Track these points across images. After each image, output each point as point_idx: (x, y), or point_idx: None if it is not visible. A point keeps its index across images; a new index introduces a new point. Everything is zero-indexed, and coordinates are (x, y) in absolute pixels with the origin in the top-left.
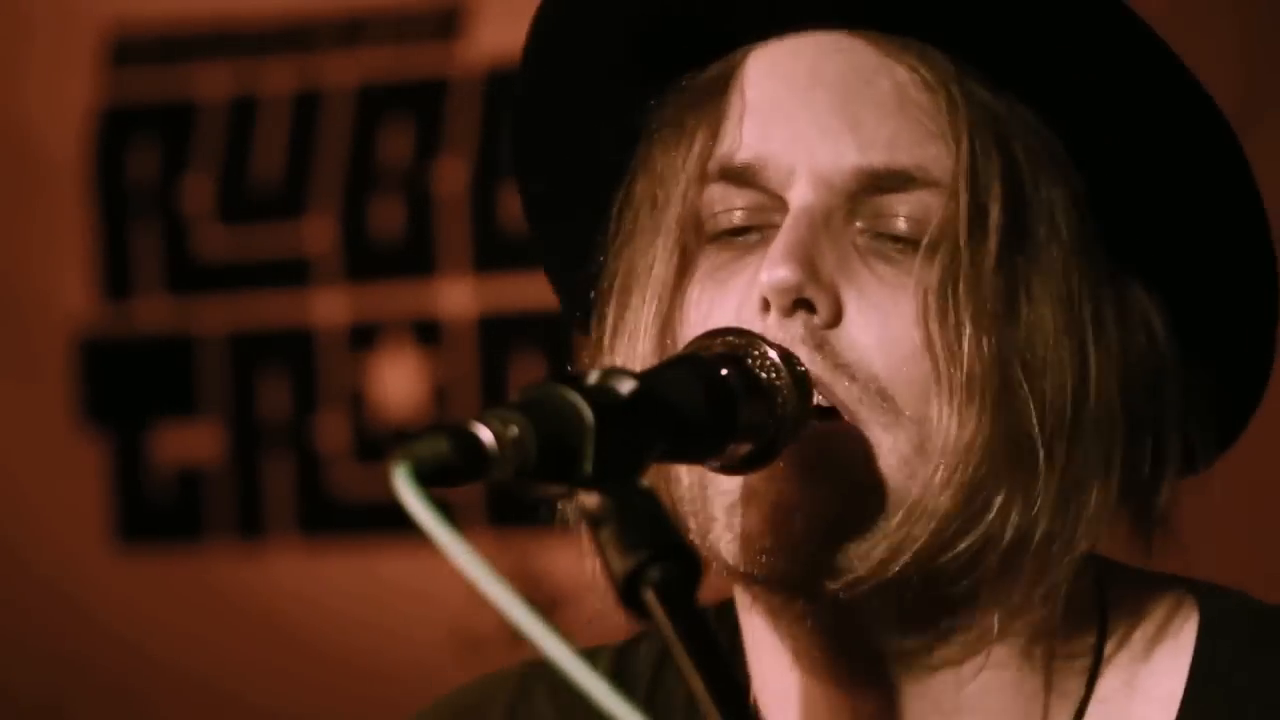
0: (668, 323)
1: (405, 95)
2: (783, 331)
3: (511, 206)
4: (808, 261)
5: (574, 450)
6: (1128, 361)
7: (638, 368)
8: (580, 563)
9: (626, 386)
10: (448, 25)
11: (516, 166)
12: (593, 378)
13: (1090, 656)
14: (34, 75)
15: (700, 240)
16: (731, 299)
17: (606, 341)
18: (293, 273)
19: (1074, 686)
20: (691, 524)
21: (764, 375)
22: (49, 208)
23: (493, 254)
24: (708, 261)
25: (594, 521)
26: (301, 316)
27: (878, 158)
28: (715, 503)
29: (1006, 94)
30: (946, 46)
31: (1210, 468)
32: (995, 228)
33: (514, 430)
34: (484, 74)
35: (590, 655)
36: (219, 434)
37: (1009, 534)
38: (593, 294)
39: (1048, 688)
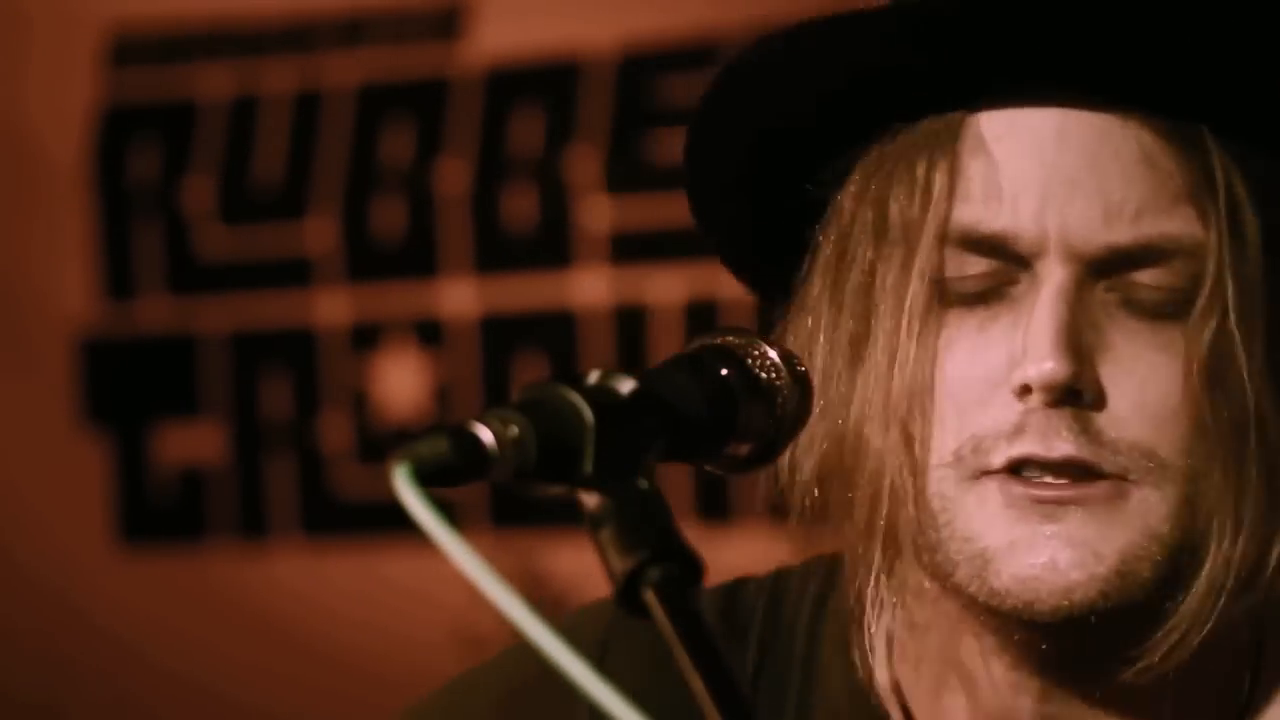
0: (916, 384)
1: (406, 95)
2: (1051, 422)
3: (513, 207)
4: (1076, 350)
5: (574, 450)
6: None
7: (883, 405)
8: (581, 563)
9: (626, 386)
10: (448, 25)
11: (695, 176)
12: (593, 378)
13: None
14: (34, 75)
15: (941, 300)
16: (988, 364)
17: (842, 355)
18: (294, 273)
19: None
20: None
21: (764, 375)
22: (49, 208)
23: (494, 254)
24: (952, 322)
25: (594, 522)
26: (303, 317)
27: (1125, 233)
28: (962, 551)
29: (1255, 150)
30: (1200, 120)
31: None
32: (1259, 288)
33: (514, 430)
34: (485, 74)
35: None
36: (221, 434)
37: (1244, 584)
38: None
39: (1255, 686)
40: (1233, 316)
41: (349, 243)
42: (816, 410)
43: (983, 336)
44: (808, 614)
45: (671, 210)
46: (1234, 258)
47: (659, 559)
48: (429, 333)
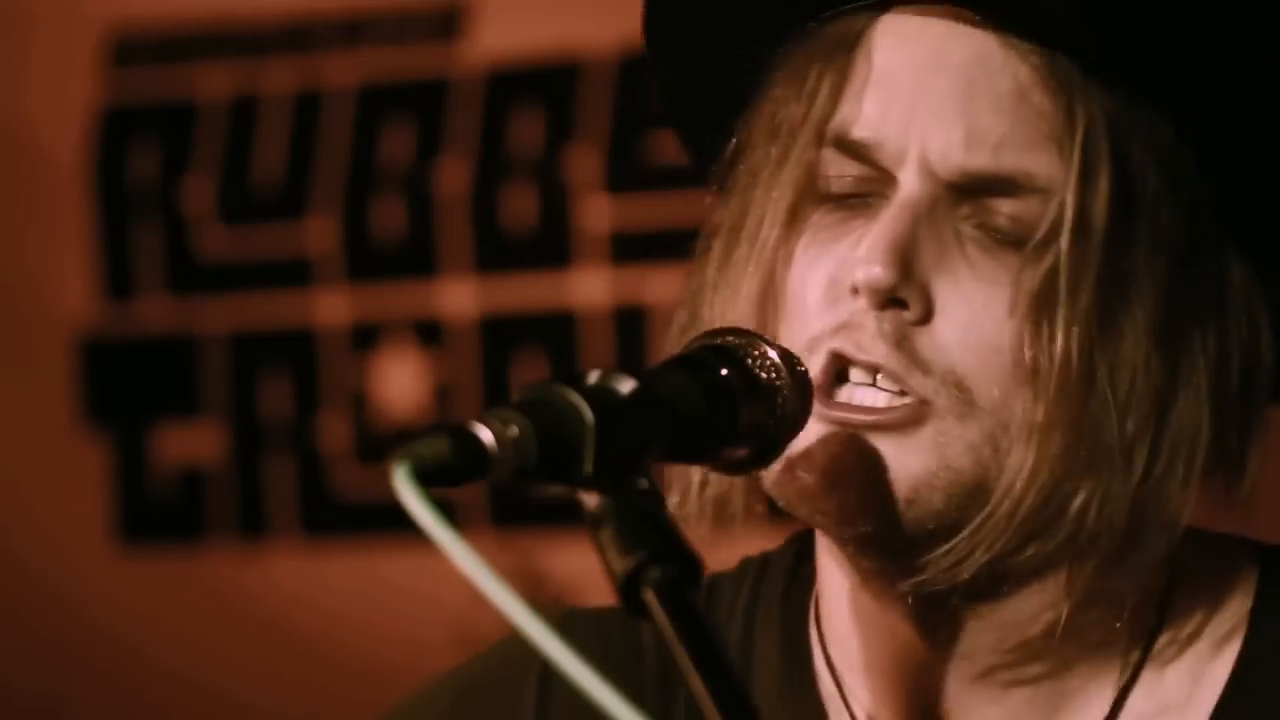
0: (769, 279)
1: (406, 95)
2: (866, 321)
3: (513, 207)
4: (904, 261)
5: (574, 450)
6: (1224, 356)
7: (737, 321)
8: (581, 563)
9: (626, 386)
10: (448, 25)
11: (653, 64)
12: (593, 378)
13: (1156, 613)
14: (34, 75)
15: (811, 199)
16: (828, 266)
17: (710, 277)
18: (294, 273)
19: (1138, 640)
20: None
21: (764, 375)
22: (49, 208)
23: (494, 254)
24: (816, 222)
25: (594, 522)
26: (303, 317)
27: (983, 160)
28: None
29: (1127, 90)
30: (1076, 54)
31: None
32: (1100, 237)
33: (514, 430)
34: (485, 74)
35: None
36: (220, 434)
37: (1084, 537)
38: (706, 228)
39: (1112, 645)
40: (1064, 261)
41: (349, 243)
42: (701, 303)
43: (843, 229)
44: (741, 614)
45: (671, 210)
46: (1080, 206)
47: (659, 559)
48: (429, 333)
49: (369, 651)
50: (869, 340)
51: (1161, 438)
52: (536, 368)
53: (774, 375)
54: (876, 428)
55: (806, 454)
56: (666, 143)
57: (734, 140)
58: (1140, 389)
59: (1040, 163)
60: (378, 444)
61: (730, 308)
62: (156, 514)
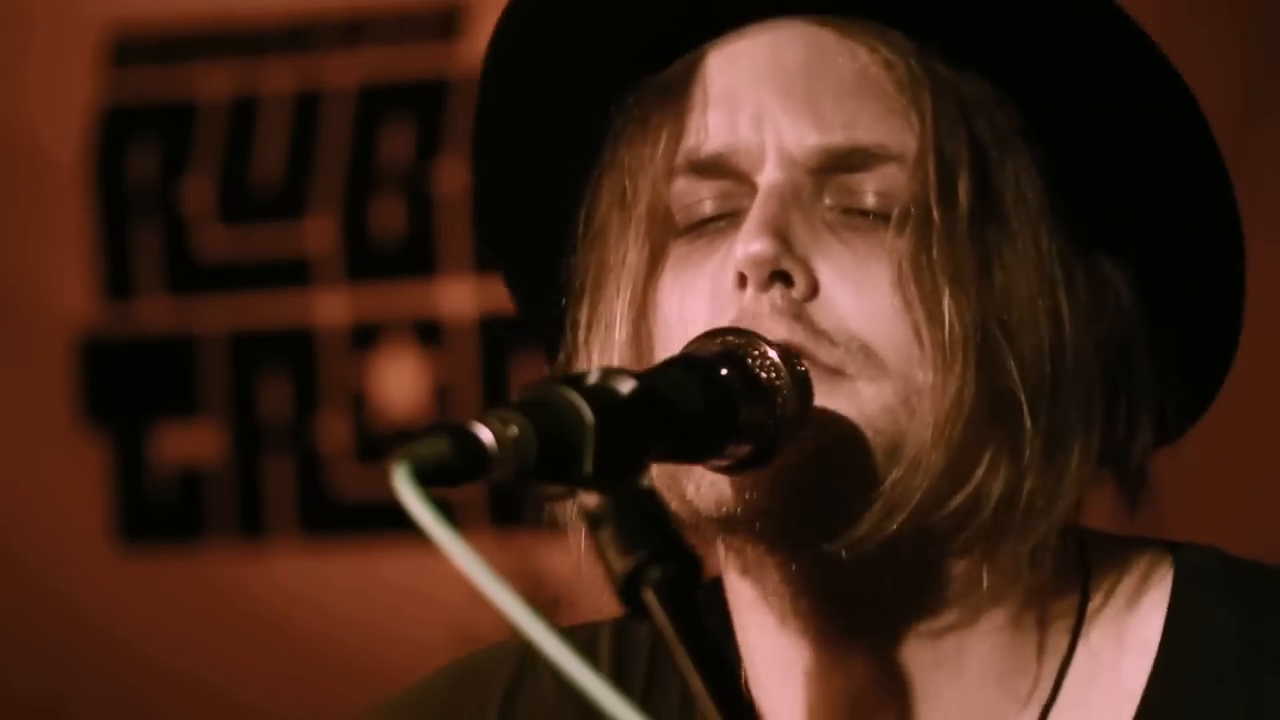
0: (642, 312)
1: (406, 95)
2: (760, 305)
3: None
4: (781, 235)
5: (574, 450)
6: (1099, 325)
7: (614, 359)
8: (580, 563)
9: (626, 386)
10: (448, 25)
11: (476, 176)
12: (593, 378)
13: (1075, 615)
14: (34, 75)
15: (670, 234)
16: (705, 283)
17: (582, 338)
18: (293, 273)
19: (1060, 642)
20: (682, 480)
21: (764, 375)
22: (49, 208)
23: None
24: (678, 252)
25: (594, 521)
26: (302, 317)
27: (837, 137)
28: None
29: (966, 70)
30: (903, 26)
31: (1183, 437)
32: (964, 195)
33: (514, 430)
34: None
35: (591, 631)
36: (219, 434)
37: (998, 490)
38: (563, 300)
39: (1036, 645)
40: (935, 220)
41: (348, 243)
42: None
43: (709, 249)
44: (647, 644)
45: None
46: (939, 168)
47: (659, 559)
48: (428, 333)
49: (368, 651)
50: (768, 322)
51: (1059, 393)
52: (536, 368)
53: (774, 375)
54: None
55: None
56: None
57: (580, 219)
58: (1032, 344)
59: (893, 132)
60: (377, 444)
61: (604, 351)
62: (156, 514)
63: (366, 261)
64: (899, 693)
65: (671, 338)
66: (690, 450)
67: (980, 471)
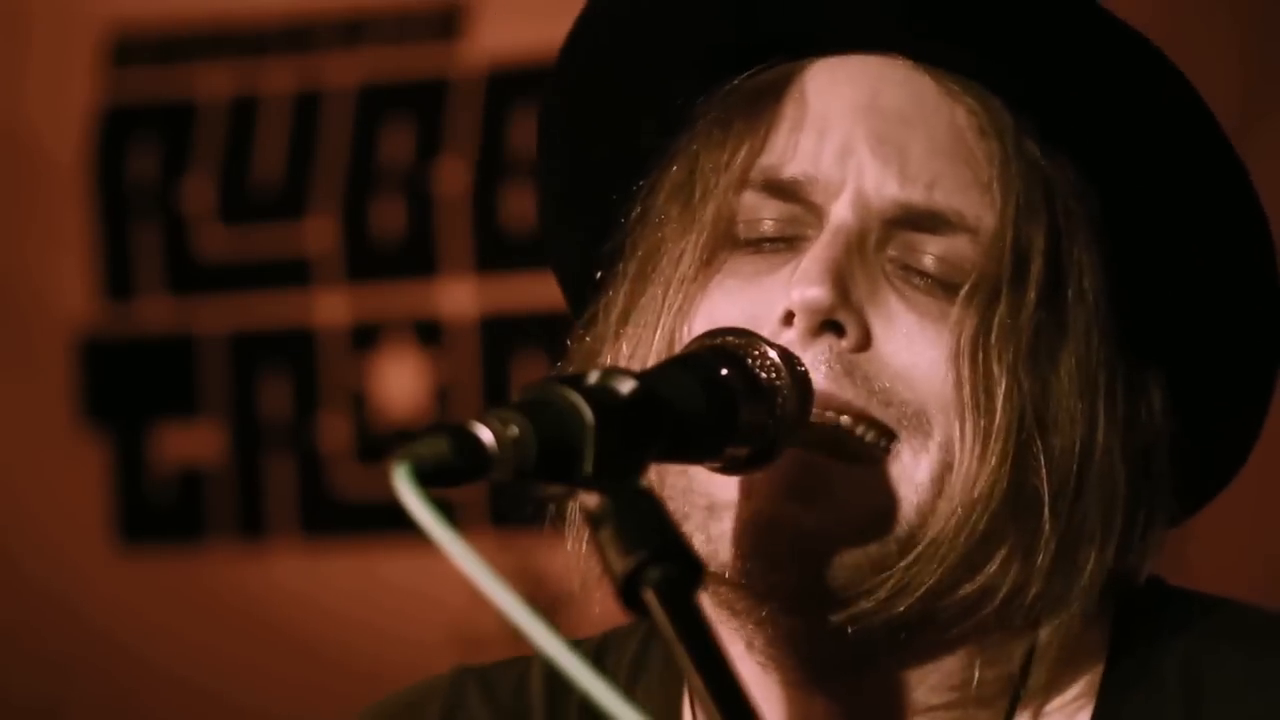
0: (682, 318)
1: (406, 95)
2: (806, 352)
3: (513, 207)
4: (841, 282)
5: (574, 450)
6: (1133, 431)
7: (647, 359)
8: (581, 563)
9: (627, 387)
10: (448, 25)
11: (545, 143)
12: (593, 378)
13: (1011, 688)
14: (34, 75)
15: (730, 244)
16: (752, 307)
17: (614, 324)
18: (294, 273)
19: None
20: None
21: (764, 375)
22: (49, 208)
23: (494, 254)
24: (732, 265)
25: (594, 521)
26: (302, 317)
27: (918, 195)
28: (692, 502)
29: (1055, 151)
30: (1006, 93)
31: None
32: (1035, 282)
33: (514, 430)
34: (485, 74)
35: (521, 668)
36: (220, 434)
37: (1006, 586)
38: (604, 280)
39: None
40: (1003, 303)
41: (348, 243)
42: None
43: (764, 273)
44: (625, 673)
45: None
46: (1015, 251)
47: (659, 559)
48: (428, 333)
49: (368, 651)
50: (814, 370)
51: (1082, 494)
52: (537, 368)
53: (774, 375)
54: (841, 457)
55: (768, 484)
56: None
57: (639, 199)
58: (1064, 442)
59: (973, 204)
60: (377, 444)
61: (637, 352)
62: (156, 514)
63: (367, 261)
64: None
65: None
66: (690, 450)
67: (993, 566)
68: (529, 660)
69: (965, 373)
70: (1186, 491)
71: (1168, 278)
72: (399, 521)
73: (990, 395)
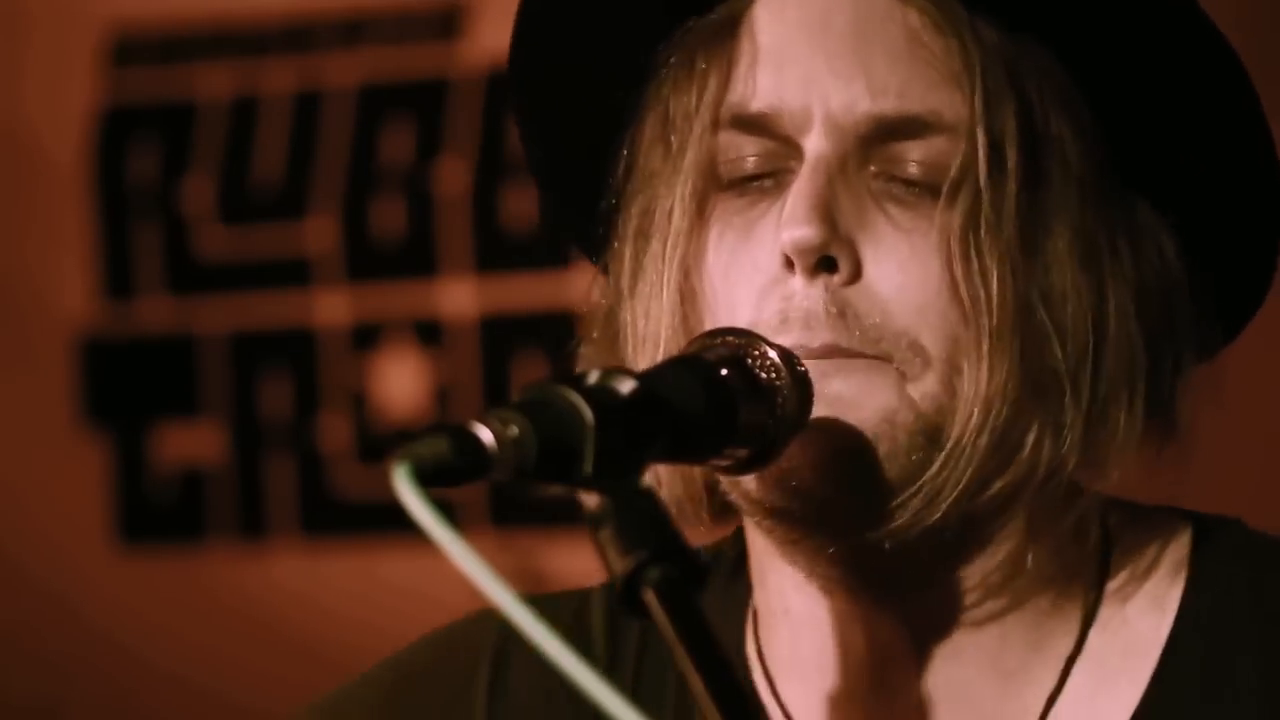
0: (689, 271)
1: (406, 95)
2: (808, 300)
3: (513, 207)
4: (828, 217)
5: (574, 450)
6: (1142, 284)
7: (662, 319)
8: (581, 562)
9: (626, 387)
10: (449, 25)
11: (518, 111)
12: (593, 378)
13: (1097, 570)
14: (34, 75)
15: (716, 186)
16: (754, 251)
17: (626, 286)
18: (294, 273)
19: (1079, 608)
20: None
21: (764, 375)
22: (49, 208)
23: (494, 254)
24: (724, 208)
25: (593, 521)
26: (303, 317)
27: (889, 104)
28: None
29: (1017, 33)
30: None
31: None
32: (1014, 168)
33: (514, 430)
34: (485, 74)
35: (580, 599)
36: (220, 434)
37: (1042, 469)
38: (608, 238)
39: (1056, 612)
40: (984, 196)
41: (349, 243)
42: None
43: (755, 211)
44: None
45: None
46: (990, 139)
47: (659, 559)
48: (428, 333)
49: (369, 651)
50: (818, 325)
51: (1101, 363)
52: (536, 368)
53: (774, 375)
54: (840, 370)
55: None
56: None
57: (624, 155)
58: (1075, 315)
59: (944, 101)
60: (378, 444)
61: (651, 310)
62: (156, 514)
63: (367, 261)
64: (927, 651)
65: (718, 308)
66: (690, 450)
67: (1024, 453)
68: (588, 592)
69: (959, 273)
70: (1218, 319)
71: (1154, 126)
72: (399, 521)
73: (988, 290)
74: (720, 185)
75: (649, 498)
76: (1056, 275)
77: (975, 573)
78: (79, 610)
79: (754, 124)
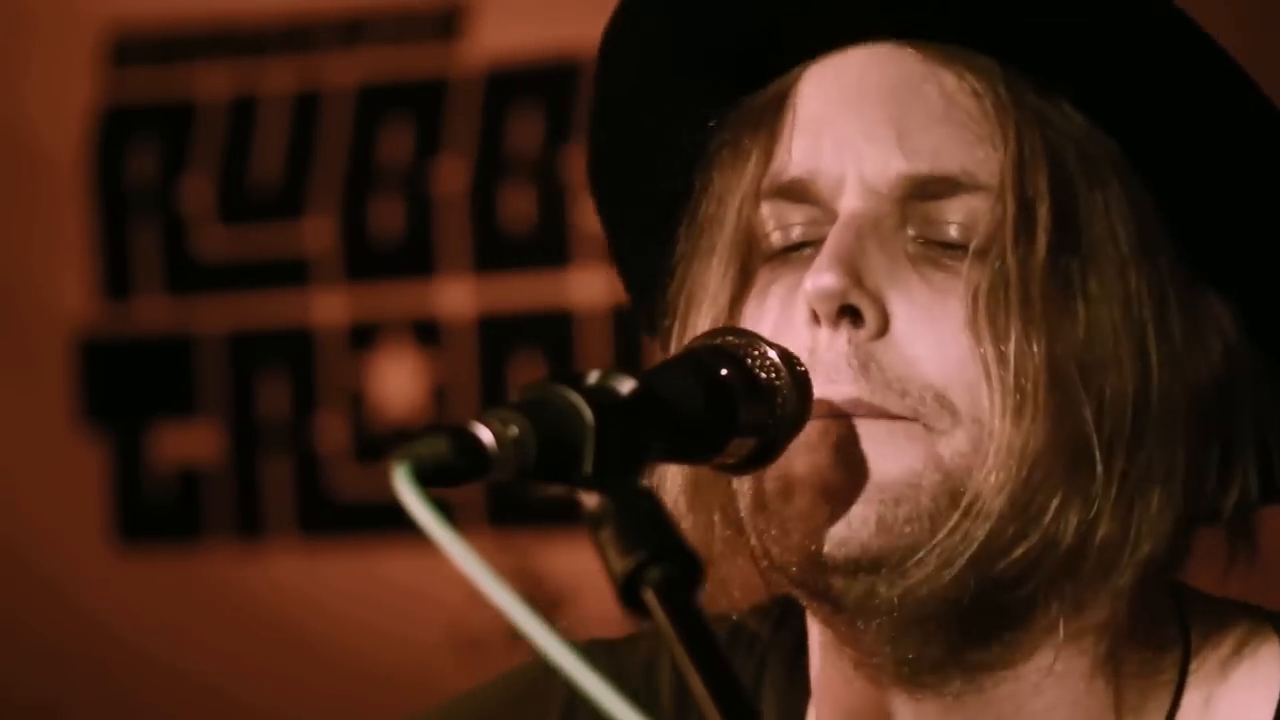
0: None
1: (405, 95)
2: (831, 351)
3: (512, 207)
4: (851, 268)
5: (574, 450)
6: (1196, 367)
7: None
8: (578, 562)
9: (626, 386)
10: (448, 25)
11: (594, 196)
12: (592, 378)
13: (1174, 675)
14: (34, 75)
15: (757, 259)
16: (792, 315)
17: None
18: (292, 273)
19: (1154, 706)
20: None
21: (764, 375)
22: (49, 208)
23: (492, 254)
24: (766, 279)
25: (593, 522)
26: (301, 316)
27: (923, 165)
28: (743, 506)
29: (1056, 97)
30: (993, 52)
31: None
32: (1044, 229)
33: (514, 430)
34: (484, 74)
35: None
36: (218, 434)
37: (1068, 537)
38: (665, 317)
39: (1121, 703)
40: (1009, 257)
41: (347, 242)
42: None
43: (792, 278)
44: (754, 666)
45: None
46: (1019, 200)
47: (659, 559)
48: (427, 332)
49: (367, 651)
50: (840, 377)
51: (1142, 437)
52: (534, 367)
53: (774, 375)
54: (868, 416)
55: (797, 463)
56: None
57: (679, 239)
58: (1114, 385)
59: (979, 161)
60: (375, 444)
61: None
62: (154, 513)
63: (365, 261)
64: None
65: None
66: (690, 450)
67: (1046, 518)
68: (652, 642)
69: (983, 333)
70: None
71: (1207, 200)
72: (397, 521)
73: (1009, 352)
74: (763, 258)
75: (649, 498)
76: (1097, 343)
77: (1011, 651)
78: (78, 609)
79: (791, 191)
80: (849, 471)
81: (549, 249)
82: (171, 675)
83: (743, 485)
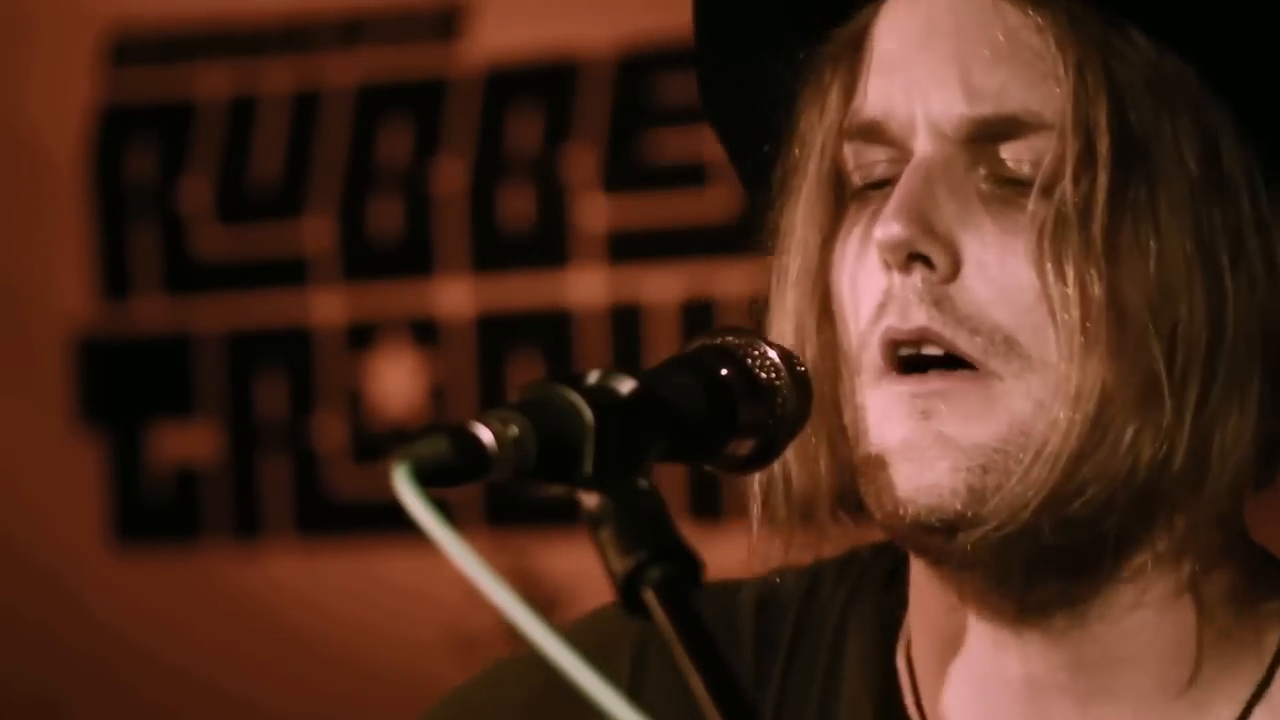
0: (817, 282)
1: (405, 95)
2: (905, 291)
3: (510, 207)
4: (919, 215)
5: (574, 450)
6: (1275, 298)
7: (790, 328)
8: (576, 562)
9: (626, 386)
10: (448, 25)
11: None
12: (592, 378)
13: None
14: (34, 75)
15: (843, 197)
16: (859, 257)
17: (773, 299)
18: (291, 272)
19: (1270, 640)
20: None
21: (763, 375)
22: (49, 208)
23: (491, 254)
24: (851, 219)
25: (593, 522)
26: (299, 316)
27: (985, 107)
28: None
29: (1125, 26)
30: None
31: None
32: (1105, 163)
33: (514, 430)
34: (483, 74)
35: (730, 596)
36: (216, 434)
37: (1142, 471)
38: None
39: (1226, 635)
40: (1069, 192)
41: (346, 242)
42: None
43: (868, 228)
44: (837, 611)
45: (669, 210)
46: (1080, 136)
47: (658, 559)
48: (425, 332)
49: (365, 650)
50: (910, 309)
51: (1217, 366)
52: (533, 367)
53: (774, 375)
54: (943, 395)
55: (887, 433)
56: (664, 142)
57: (775, 169)
58: (1187, 320)
59: (1043, 99)
60: (374, 443)
61: (786, 322)
62: (152, 513)
63: (364, 261)
64: (1083, 688)
65: (848, 316)
66: (690, 450)
67: (1120, 452)
68: (734, 590)
69: (1047, 271)
70: None
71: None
72: (395, 521)
73: (1074, 289)
74: (848, 195)
75: (649, 498)
76: (1168, 275)
77: (1120, 604)
78: (77, 607)
79: (869, 132)
80: (935, 440)
81: (548, 249)
82: (170, 674)
83: (848, 455)
